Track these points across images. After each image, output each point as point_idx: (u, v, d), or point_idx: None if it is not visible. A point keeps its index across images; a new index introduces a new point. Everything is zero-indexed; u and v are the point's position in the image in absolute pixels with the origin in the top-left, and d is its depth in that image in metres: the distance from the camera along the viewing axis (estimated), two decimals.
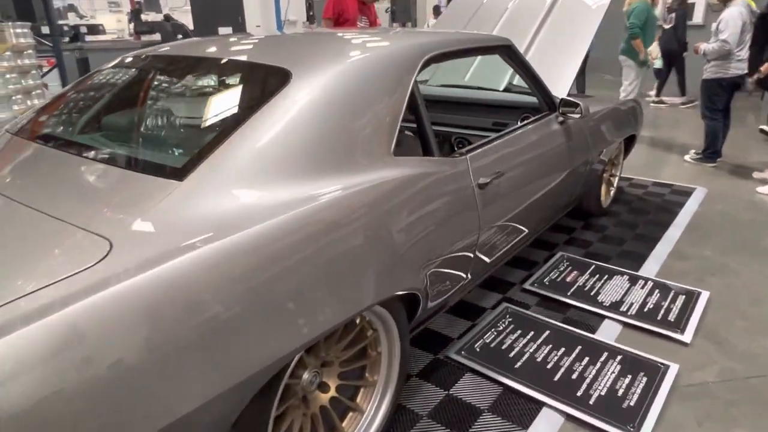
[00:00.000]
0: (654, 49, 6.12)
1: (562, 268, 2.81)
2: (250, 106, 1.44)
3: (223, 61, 1.75)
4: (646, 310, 2.43)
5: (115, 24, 13.29)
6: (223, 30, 11.11)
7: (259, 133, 1.36)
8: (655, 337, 2.26)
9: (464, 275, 1.95)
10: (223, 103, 1.61)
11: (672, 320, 2.35)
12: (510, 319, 2.34)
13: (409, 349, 1.78)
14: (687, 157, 4.94)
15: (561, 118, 2.58)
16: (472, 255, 1.94)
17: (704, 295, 2.55)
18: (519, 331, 2.26)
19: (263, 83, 1.56)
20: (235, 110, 1.49)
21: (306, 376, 1.40)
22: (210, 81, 1.80)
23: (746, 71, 4.33)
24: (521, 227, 2.32)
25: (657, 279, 2.71)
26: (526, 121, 2.43)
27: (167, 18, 14.10)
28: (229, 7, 9.11)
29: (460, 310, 2.43)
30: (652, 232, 3.33)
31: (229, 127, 1.38)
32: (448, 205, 1.74)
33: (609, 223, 3.49)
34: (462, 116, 3.03)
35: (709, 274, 2.81)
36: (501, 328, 2.28)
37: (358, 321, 1.54)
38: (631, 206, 3.78)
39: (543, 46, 3.20)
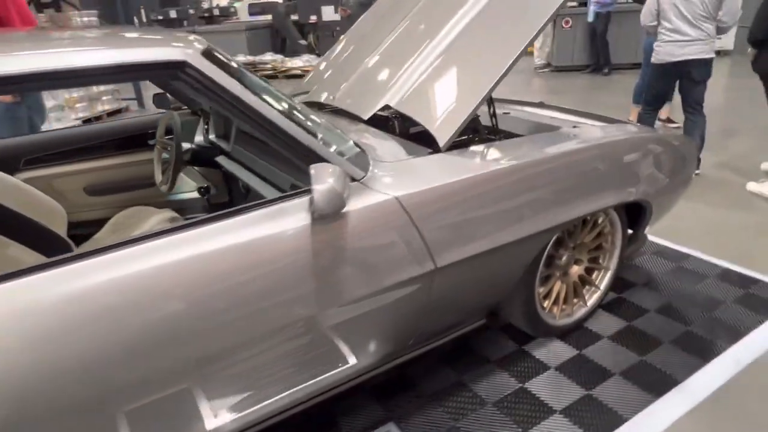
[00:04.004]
0: None
1: None
2: None
3: None
4: None
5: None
6: (326, 9, 10.33)
7: None
8: None
9: None
10: None
11: None
12: None
13: None
14: None
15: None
16: None
17: None
18: None
19: None
20: None
21: None
22: None
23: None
24: None
25: None
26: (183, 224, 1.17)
27: None
28: None
29: None
30: (626, 401, 1.76)
31: None
32: None
33: (555, 357, 1.96)
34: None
35: None
36: None
37: None
38: (632, 324, 2.14)
39: (460, 44, 1.82)
